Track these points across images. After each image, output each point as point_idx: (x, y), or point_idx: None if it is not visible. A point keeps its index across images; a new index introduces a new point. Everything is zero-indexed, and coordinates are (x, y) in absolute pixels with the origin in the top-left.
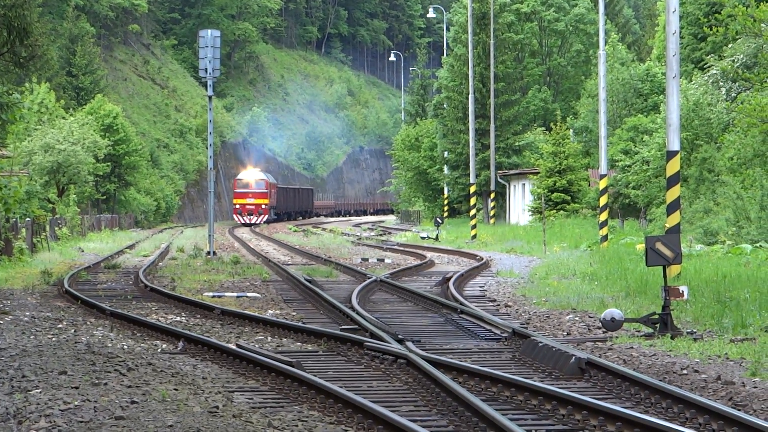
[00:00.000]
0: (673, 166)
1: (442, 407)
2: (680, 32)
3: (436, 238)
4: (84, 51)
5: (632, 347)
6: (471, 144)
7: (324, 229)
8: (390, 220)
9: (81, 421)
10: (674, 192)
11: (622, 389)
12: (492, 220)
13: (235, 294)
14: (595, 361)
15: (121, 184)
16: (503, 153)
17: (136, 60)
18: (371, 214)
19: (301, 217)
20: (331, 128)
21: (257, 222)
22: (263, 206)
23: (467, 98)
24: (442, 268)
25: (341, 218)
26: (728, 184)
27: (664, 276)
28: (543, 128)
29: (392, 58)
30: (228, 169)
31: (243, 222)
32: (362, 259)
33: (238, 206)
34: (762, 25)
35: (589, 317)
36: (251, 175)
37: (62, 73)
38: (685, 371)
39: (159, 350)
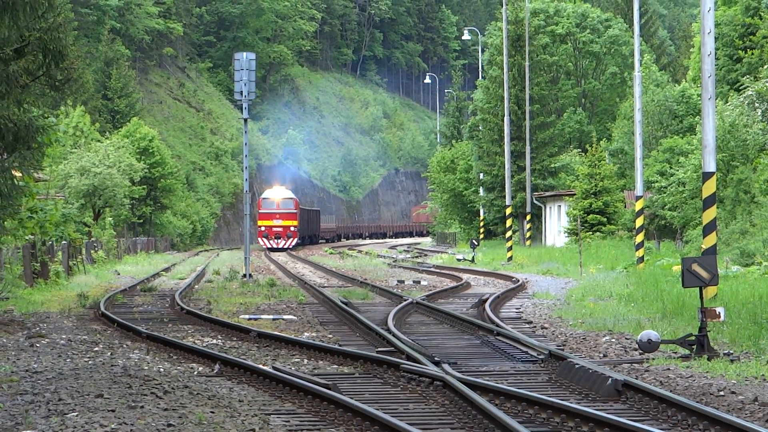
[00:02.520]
0: (709, 188)
1: (478, 429)
2: (715, 53)
3: (472, 260)
4: (119, 74)
5: (669, 369)
6: (507, 166)
7: (360, 252)
8: (401, 246)
9: None
10: (710, 213)
11: (659, 411)
12: (528, 242)
13: (271, 316)
14: (632, 383)
15: (156, 207)
16: (539, 175)
17: (172, 83)
18: (367, 237)
19: (309, 242)
20: (367, 150)
21: (285, 247)
22: (292, 228)
23: (503, 120)
24: (478, 290)
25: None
26: (765, 205)
27: (701, 297)
28: (578, 150)
29: (427, 80)
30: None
31: (269, 246)
32: (398, 281)
33: (263, 228)
34: None
35: (626, 339)
36: (278, 194)
37: (98, 96)
38: (722, 393)
39: (195, 373)
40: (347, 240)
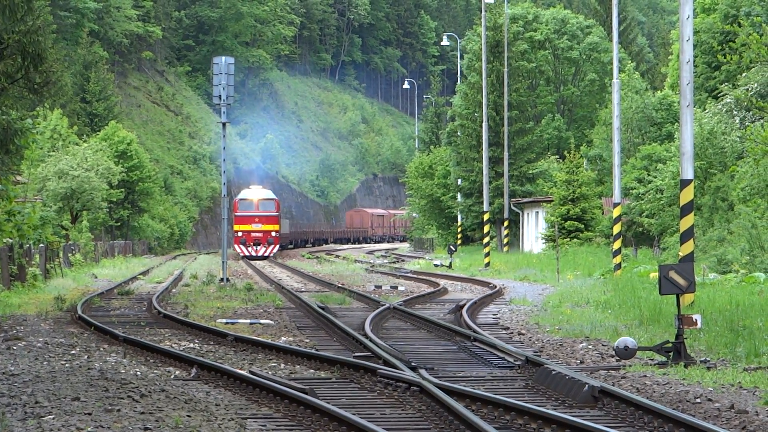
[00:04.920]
0: (687, 195)
1: None
2: (694, 61)
3: (450, 266)
4: (98, 77)
5: (645, 376)
6: (485, 172)
7: (338, 257)
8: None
9: None
10: (688, 221)
11: (636, 418)
12: (505, 248)
13: (248, 321)
14: (609, 390)
15: (134, 210)
16: (517, 181)
17: (150, 86)
18: (310, 244)
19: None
20: (345, 155)
21: (266, 254)
22: (273, 234)
23: (481, 126)
24: (455, 296)
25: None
26: (743, 212)
27: (678, 305)
28: (556, 156)
29: (406, 85)
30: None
31: (247, 254)
32: (375, 286)
33: (240, 234)
34: None
35: (603, 345)
36: (257, 194)
37: (76, 99)
38: (698, 400)
39: (172, 377)
40: (295, 248)
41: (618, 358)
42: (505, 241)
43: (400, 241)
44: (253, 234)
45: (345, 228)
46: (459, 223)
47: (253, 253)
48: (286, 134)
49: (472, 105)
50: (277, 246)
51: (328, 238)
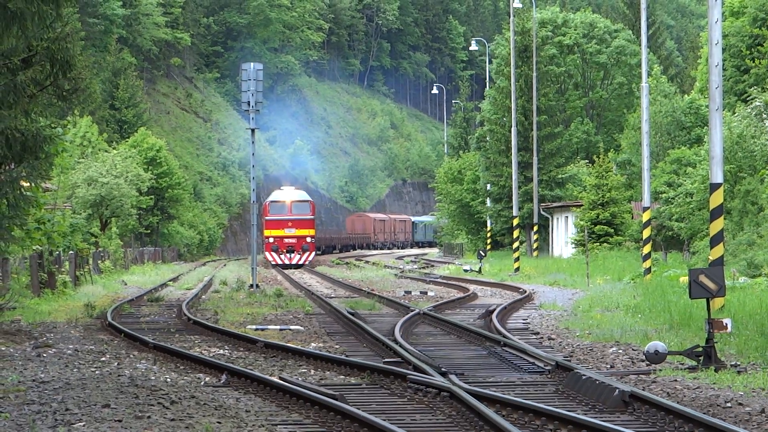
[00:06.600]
0: (717, 199)
1: None
2: (723, 64)
3: (479, 271)
4: (127, 84)
5: (676, 380)
6: (514, 177)
7: (367, 262)
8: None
9: None
10: (717, 224)
11: (666, 422)
12: (535, 253)
13: (278, 327)
14: (639, 394)
15: (164, 217)
16: (546, 185)
17: (179, 93)
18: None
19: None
20: (374, 161)
21: (300, 263)
22: (308, 239)
23: (510, 131)
24: (485, 301)
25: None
26: None
27: (708, 309)
28: (586, 161)
29: (435, 90)
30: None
31: (279, 263)
32: (405, 291)
33: (272, 240)
34: None
35: (633, 350)
36: (290, 195)
37: (105, 106)
38: (729, 404)
39: (202, 383)
40: None
41: (648, 362)
42: (535, 245)
43: (400, 248)
44: (286, 240)
45: (347, 234)
46: (488, 228)
47: (287, 261)
48: (314, 140)
49: (500, 110)
50: (313, 253)
51: (337, 244)
